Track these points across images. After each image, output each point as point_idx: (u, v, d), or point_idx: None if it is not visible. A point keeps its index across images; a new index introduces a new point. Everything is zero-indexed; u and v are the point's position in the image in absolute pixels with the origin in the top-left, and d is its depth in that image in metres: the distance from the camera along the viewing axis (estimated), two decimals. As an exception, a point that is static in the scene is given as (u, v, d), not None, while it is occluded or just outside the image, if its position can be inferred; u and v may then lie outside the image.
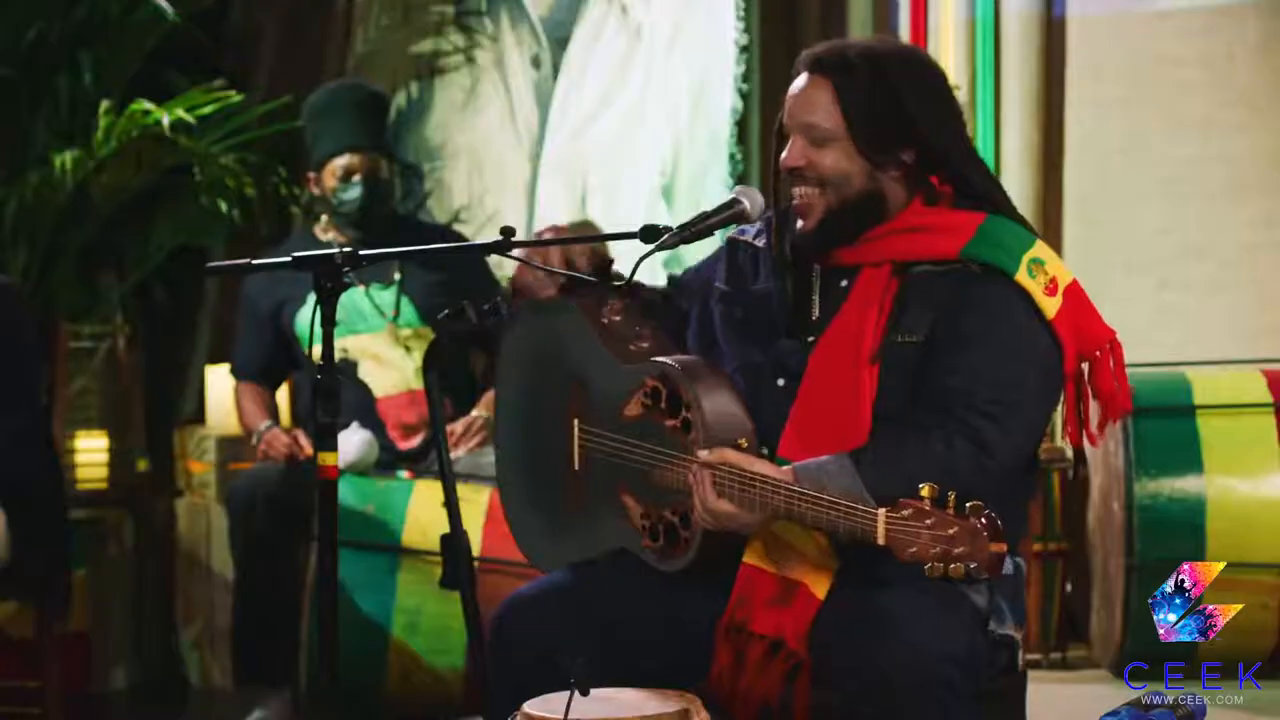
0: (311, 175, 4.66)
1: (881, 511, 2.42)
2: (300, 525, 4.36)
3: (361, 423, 4.47)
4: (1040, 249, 2.72)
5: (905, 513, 2.39)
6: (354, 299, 4.53)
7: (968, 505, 2.36)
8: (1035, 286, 2.67)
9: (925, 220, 2.75)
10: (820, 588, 2.63)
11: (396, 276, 4.57)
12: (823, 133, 2.73)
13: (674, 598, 2.74)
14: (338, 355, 4.44)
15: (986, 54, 5.23)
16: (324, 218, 4.66)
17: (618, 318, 2.93)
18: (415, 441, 4.57)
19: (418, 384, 4.54)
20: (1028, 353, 2.67)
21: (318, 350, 4.39)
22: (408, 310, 4.58)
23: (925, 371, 2.66)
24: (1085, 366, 2.75)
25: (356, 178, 4.55)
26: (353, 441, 4.36)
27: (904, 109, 2.73)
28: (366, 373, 4.56)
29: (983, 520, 2.36)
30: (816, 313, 2.78)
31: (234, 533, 4.50)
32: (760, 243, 2.87)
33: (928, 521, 2.38)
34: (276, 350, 4.67)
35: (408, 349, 4.57)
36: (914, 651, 2.50)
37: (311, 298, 4.44)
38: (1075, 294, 2.71)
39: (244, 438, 5.20)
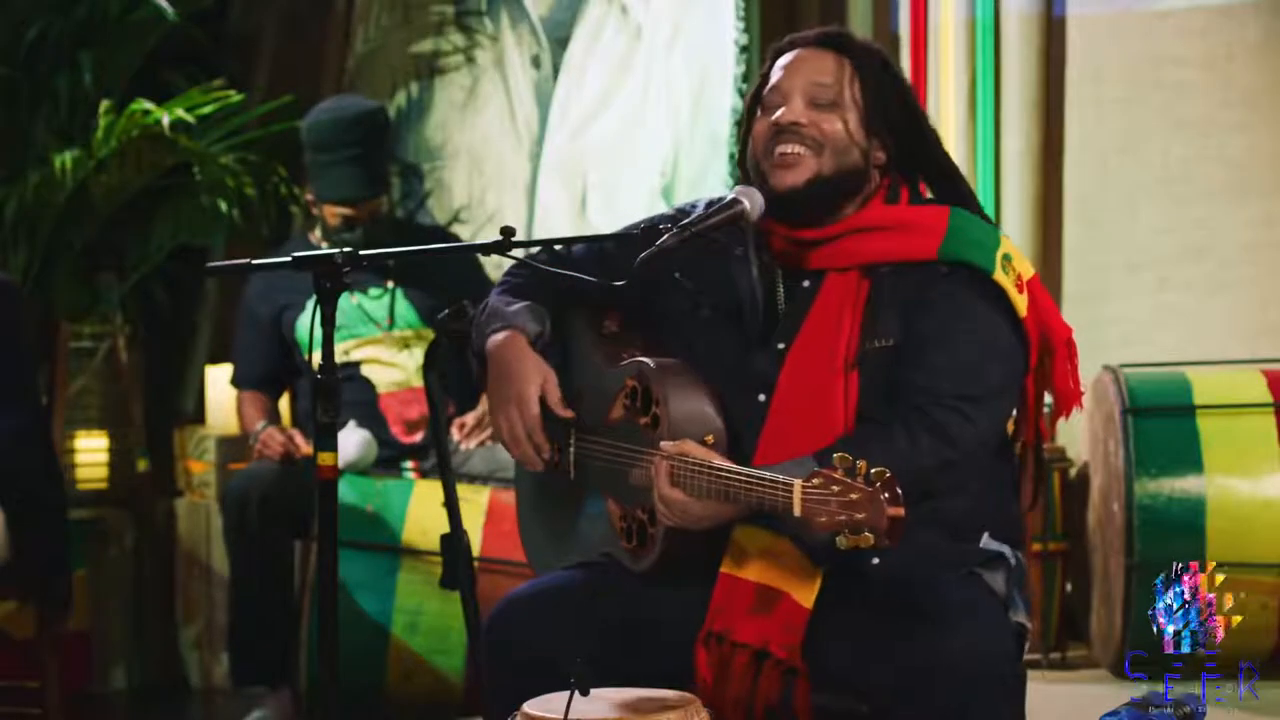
0: (310, 197, 4.65)
1: (797, 482, 2.42)
2: (295, 524, 4.37)
3: (364, 417, 4.47)
4: (1006, 244, 2.73)
5: (816, 481, 2.40)
6: (347, 305, 4.54)
7: (872, 472, 2.37)
8: (1008, 283, 2.68)
9: (892, 218, 2.75)
10: (805, 597, 2.63)
11: (389, 284, 4.57)
12: (833, 95, 2.74)
13: (670, 600, 2.74)
14: (340, 357, 4.48)
15: (986, 54, 5.22)
16: (319, 229, 4.65)
17: (616, 328, 2.94)
18: (418, 437, 4.57)
19: (419, 381, 4.55)
20: (994, 347, 2.68)
21: (318, 357, 4.41)
22: (406, 314, 4.58)
23: (899, 370, 2.66)
24: (1044, 362, 2.75)
25: (358, 223, 4.54)
26: (351, 440, 4.36)
27: (904, 96, 2.79)
28: (369, 371, 4.58)
29: (882, 486, 2.36)
30: (782, 312, 2.77)
31: (229, 532, 4.50)
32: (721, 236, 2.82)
33: (834, 489, 2.38)
34: (278, 358, 4.67)
35: (408, 347, 4.58)
36: (978, 652, 2.51)
37: (311, 303, 4.48)
38: (1037, 288, 2.73)
39: (244, 439, 5.21)
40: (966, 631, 2.53)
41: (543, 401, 2.86)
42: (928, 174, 2.82)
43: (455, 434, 4.52)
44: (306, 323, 4.54)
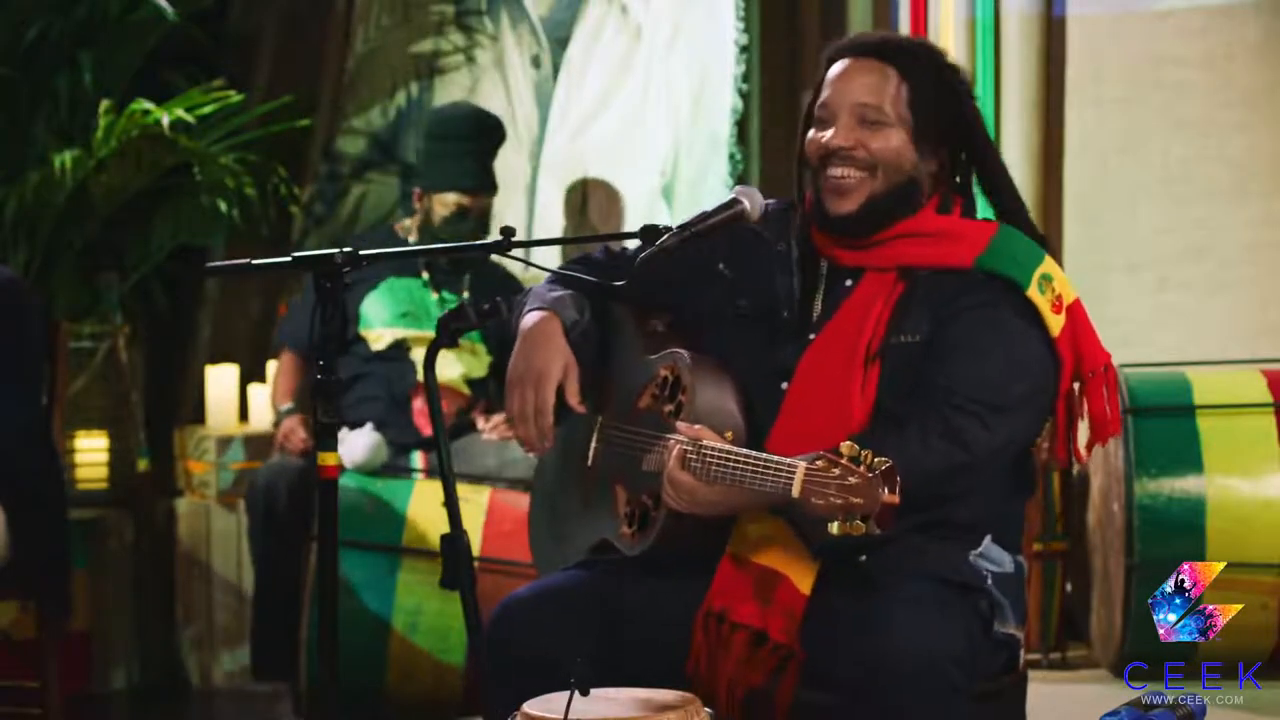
0: (417, 190, 4.73)
1: (801, 464, 2.43)
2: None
3: (393, 398, 4.48)
4: (1049, 265, 2.72)
5: (820, 464, 2.41)
6: (425, 298, 4.59)
7: (876, 460, 2.38)
8: (1044, 303, 2.68)
9: (938, 226, 2.75)
10: (804, 582, 2.64)
11: (465, 294, 4.65)
12: (882, 114, 2.72)
13: (671, 597, 2.75)
14: (391, 338, 4.57)
15: (986, 54, 5.22)
16: (408, 221, 4.70)
17: (662, 327, 2.94)
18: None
19: (460, 386, 4.58)
20: (1021, 361, 2.67)
21: (374, 334, 4.39)
22: None
23: (922, 370, 2.66)
24: (1077, 386, 2.74)
25: (470, 215, 4.66)
26: (360, 443, 4.36)
27: (960, 104, 2.77)
28: (416, 357, 4.60)
29: (883, 475, 2.37)
30: (819, 310, 2.78)
31: (255, 524, 4.48)
32: (767, 232, 2.83)
33: (834, 472, 2.39)
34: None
35: (458, 354, 4.62)
36: (914, 652, 2.50)
37: (384, 284, 4.59)
38: (1077, 313, 2.72)
39: (245, 440, 5.21)
40: (912, 633, 2.52)
41: (561, 392, 2.85)
42: (981, 185, 2.81)
43: (480, 421, 4.55)
44: (372, 301, 4.61)
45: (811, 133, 2.79)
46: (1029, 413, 2.69)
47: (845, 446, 2.40)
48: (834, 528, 2.39)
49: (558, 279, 2.97)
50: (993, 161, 2.81)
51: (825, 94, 2.77)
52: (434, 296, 4.64)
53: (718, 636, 2.66)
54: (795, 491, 2.43)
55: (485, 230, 4.71)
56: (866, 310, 2.72)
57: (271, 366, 5.41)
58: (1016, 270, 2.69)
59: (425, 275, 4.67)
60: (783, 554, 2.66)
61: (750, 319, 2.82)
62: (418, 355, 4.61)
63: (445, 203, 4.67)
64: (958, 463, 2.61)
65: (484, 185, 4.74)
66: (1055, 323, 2.68)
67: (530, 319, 2.87)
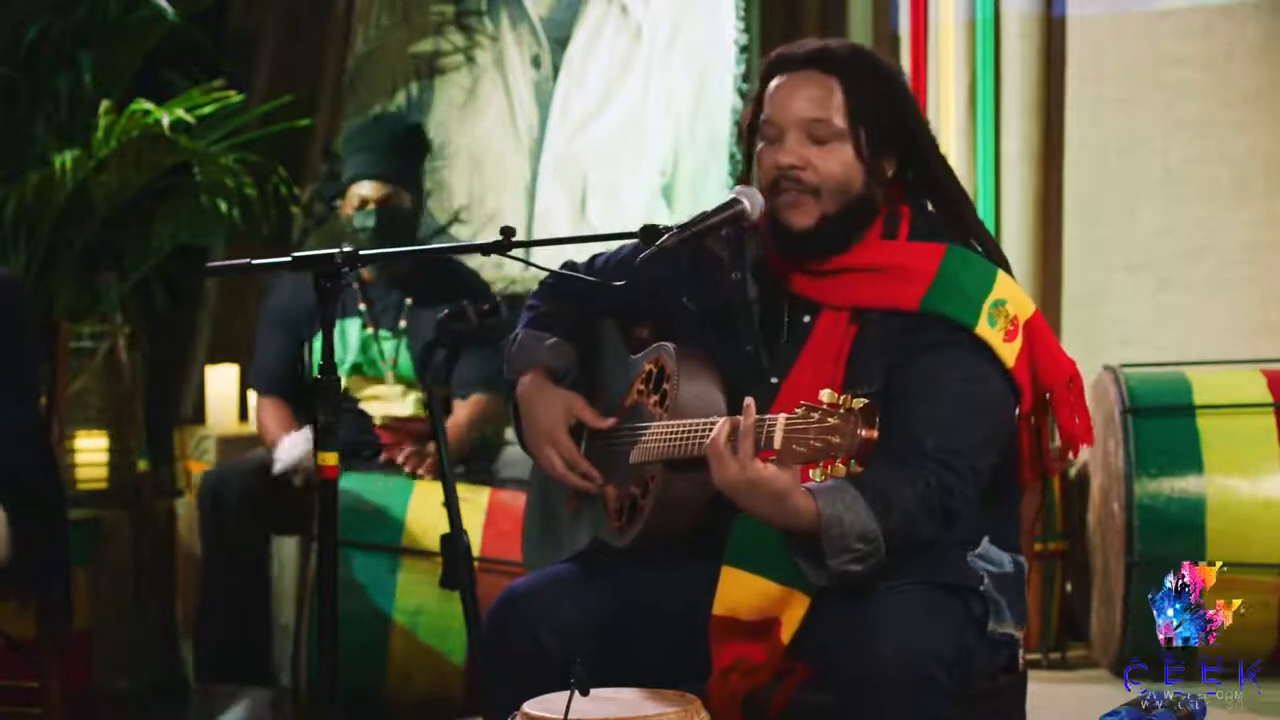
0: (339, 203, 4.62)
1: (781, 417, 2.43)
2: (270, 520, 4.37)
3: (352, 444, 4.44)
4: (1001, 286, 2.67)
5: (798, 412, 2.41)
6: (365, 339, 4.51)
7: (854, 402, 2.38)
8: (995, 335, 2.64)
9: (885, 259, 2.71)
10: (799, 612, 2.63)
11: (402, 324, 4.52)
12: (829, 130, 2.69)
13: (665, 584, 2.75)
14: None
15: (986, 54, 5.23)
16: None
17: (647, 335, 2.95)
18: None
19: (419, 412, 4.51)
20: (979, 402, 2.63)
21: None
22: (404, 364, 4.53)
23: (884, 419, 2.56)
24: (1047, 396, 2.71)
25: (370, 207, 4.48)
26: (296, 444, 4.33)
27: (900, 113, 2.73)
28: (367, 406, 4.54)
29: (861, 411, 2.37)
30: (783, 342, 2.77)
31: (204, 527, 4.47)
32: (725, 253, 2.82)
33: (813, 417, 2.39)
34: (296, 363, 4.59)
35: (405, 391, 4.54)
36: (897, 653, 2.49)
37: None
38: (1035, 329, 2.68)
39: (243, 440, 5.20)
40: (896, 634, 2.51)
41: (581, 426, 2.88)
42: (926, 191, 2.78)
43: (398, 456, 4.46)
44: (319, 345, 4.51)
45: (762, 148, 2.75)
46: (993, 447, 2.66)
47: (825, 394, 2.40)
48: (815, 474, 2.40)
49: (557, 279, 2.98)
50: (937, 163, 2.77)
51: (769, 110, 2.74)
52: (369, 332, 4.48)
53: (738, 679, 2.65)
54: (776, 443, 2.42)
55: (402, 229, 4.46)
56: (822, 360, 2.70)
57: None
58: (964, 308, 2.64)
59: (362, 308, 4.51)
60: (770, 601, 2.65)
61: (722, 350, 2.80)
62: (367, 404, 4.52)
63: (350, 201, 4.50)
64: (949, 508, 2.59)
65: (380, 172, 4.48)
66: (1010, 352, 2.64)
67: (520, 385, 2.90)
